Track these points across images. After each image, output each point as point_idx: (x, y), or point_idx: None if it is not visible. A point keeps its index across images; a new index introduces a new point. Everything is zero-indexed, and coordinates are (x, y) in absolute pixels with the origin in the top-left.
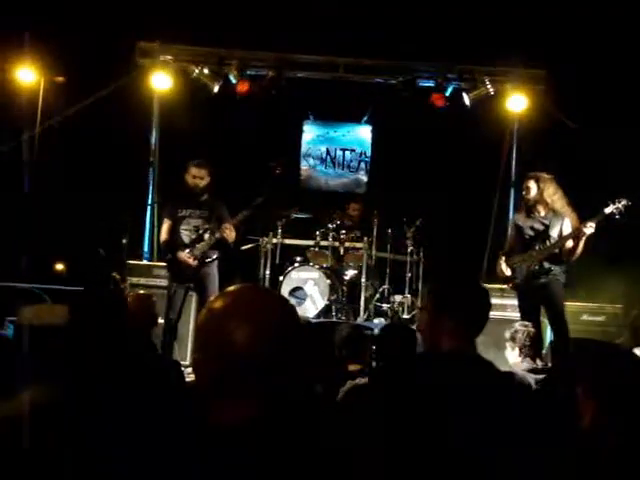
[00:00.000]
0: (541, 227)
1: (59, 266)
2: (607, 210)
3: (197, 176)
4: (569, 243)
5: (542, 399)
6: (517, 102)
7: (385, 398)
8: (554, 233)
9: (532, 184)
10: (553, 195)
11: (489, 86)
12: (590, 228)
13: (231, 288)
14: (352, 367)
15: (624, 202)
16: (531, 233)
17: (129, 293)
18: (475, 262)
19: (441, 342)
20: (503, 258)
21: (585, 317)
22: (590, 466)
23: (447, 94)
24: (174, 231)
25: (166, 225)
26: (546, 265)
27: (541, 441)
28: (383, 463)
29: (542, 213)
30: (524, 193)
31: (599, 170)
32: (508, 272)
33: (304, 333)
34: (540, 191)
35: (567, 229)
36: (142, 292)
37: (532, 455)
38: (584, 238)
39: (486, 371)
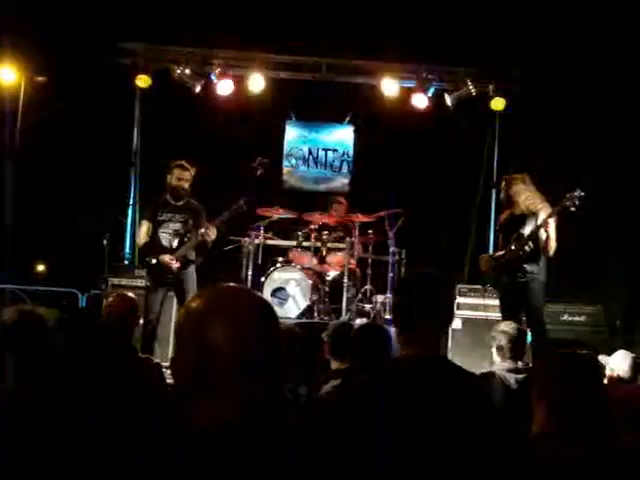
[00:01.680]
0: (515, 226)
1: (40, 267)
2: (563, 202)
3: (182, 178)
4: (543, 237)
5: (494, 402)
6: (498, 102)
7: (352, 402)
8: (526, 232)
9: (502, 185)
10: (522, 195)
11: (470, 87)
12: (552, 222)
13: (209, 288)
14: (336, 365)
15: (577, 193)
16: (508, 232)
17: (111, 293)
18: (457, 262)
19: (400, 349)
20: (485, 254)
21: (565, 317)
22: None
23: (429, 95)
24: (153, 234)
25: (144, 228)
26: (524, 264)
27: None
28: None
29: (517, 213)
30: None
31: (579, 168)
32: (485, 264)
33: (284, 334)
34: (507, 192)
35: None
36: (124, 293)
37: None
38: (552, 232)
39: (434, 375)
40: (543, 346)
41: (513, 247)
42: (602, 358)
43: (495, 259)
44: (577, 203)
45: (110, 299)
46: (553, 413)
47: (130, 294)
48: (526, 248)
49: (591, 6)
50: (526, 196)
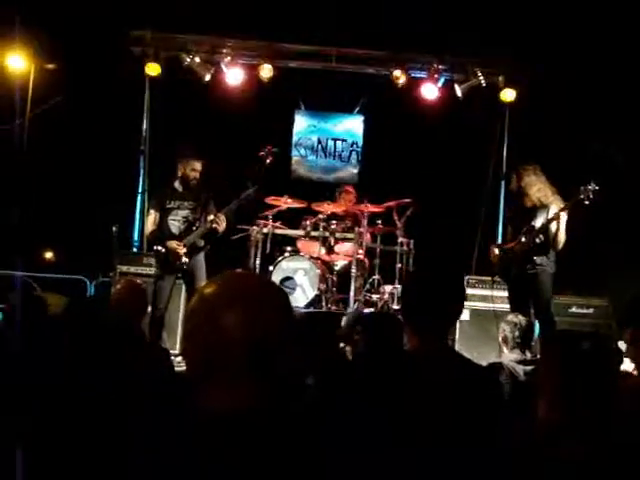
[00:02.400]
0: (526, 218)
1: (48, 254)
2: (577, 195)
3: (195, 169)
4: (554, 229)
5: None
6: (508, 93)
7: (359, 393)
8: (537, 224)
9: (513, 177)
10: (533, 186)
11: (480, 77)
12: (564, 215)
13: (222, 274)
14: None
15: (591, 186)
16: (518, 225)
17: (119, 281)
18: (465, 253)
19: (408, 341)
20: (495, 245)
21: (574, 310)
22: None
23: (439, 85)
24: (162, 222)
25: (152, 217)
26: (533, 256)
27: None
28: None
29: (528, 205)
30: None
31: (588, 160)
32: (494, 255)
33: (296, 322)
34: (518, 183)
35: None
36: (131, 279)
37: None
38: (562, 225)
39: (438, 369)
40: (551, 337)
41: (523, 239)
42: (622, 345)
43: (505, 250)
44: (591, 196)
45: (118, 286)
46: (556, 405)
47: (138, 281)
48: (537, 240)
49: None
50: (538, 188)
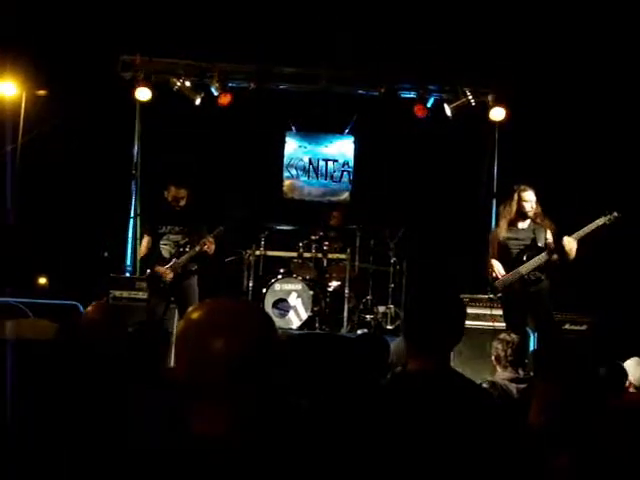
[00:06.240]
0: (526, 239)
1: (41, 280)
2: (599, 222)
3: (177, 196)
4: (555, 255)
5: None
6: (498, 112)
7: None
8: (540, 243)
9: (533, 196)
10: (539, 207)
11: (470, 97)
12: (574, 242)
13: (209, 299)
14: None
15: (615, 214)
16: (518, 245)
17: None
18: (458, 273)
19: (410, 362)
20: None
21: (567, 326)
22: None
23: (428, 105)
24: (154, 246)
25: (145, 241)
26: (535, 275)
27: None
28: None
29: (525, 225)
30: (523, 204)
31: (579, 180)
32: (502, 270)
33: (285, 346)
34: (537, 201)
35: (550, 239)
36: (100, 302)
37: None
38: (574, 247)
39: (443, 389)
40: (552, 355)
41: (526, 258)
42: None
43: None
44: (615, 223)
45: (88, 309)
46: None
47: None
48: (542, 261)
49: (592, 16)
50: (537, 206)
